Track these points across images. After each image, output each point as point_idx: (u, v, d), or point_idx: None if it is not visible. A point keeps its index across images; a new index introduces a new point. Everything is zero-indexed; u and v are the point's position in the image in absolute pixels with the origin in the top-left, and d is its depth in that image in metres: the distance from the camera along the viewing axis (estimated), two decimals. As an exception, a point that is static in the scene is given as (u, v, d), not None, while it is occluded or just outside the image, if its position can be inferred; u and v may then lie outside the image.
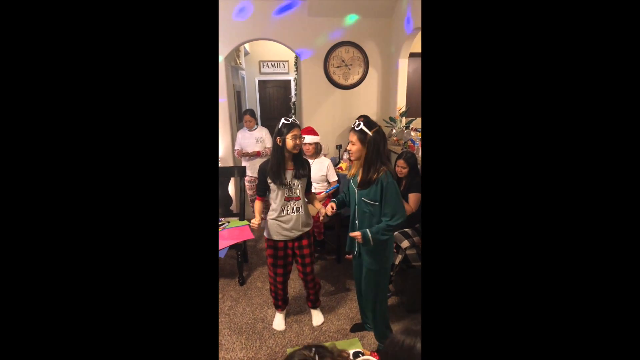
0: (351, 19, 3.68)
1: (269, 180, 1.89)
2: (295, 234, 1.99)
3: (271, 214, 1.97)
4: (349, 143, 1.76)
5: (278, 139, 1.82)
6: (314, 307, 2.25)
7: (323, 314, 2.28)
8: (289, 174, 1.89)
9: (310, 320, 2.23)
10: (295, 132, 1.82)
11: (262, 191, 1.97)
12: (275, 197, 1.93)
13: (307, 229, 2.03)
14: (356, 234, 1.71)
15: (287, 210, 1.94)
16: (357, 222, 1.79)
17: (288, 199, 1.93)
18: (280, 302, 2.18)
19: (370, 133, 1.64)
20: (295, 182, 1.92)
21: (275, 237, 1.98)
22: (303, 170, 1.92)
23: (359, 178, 1.73)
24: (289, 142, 1.82)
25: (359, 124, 1.67)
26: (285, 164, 1.88)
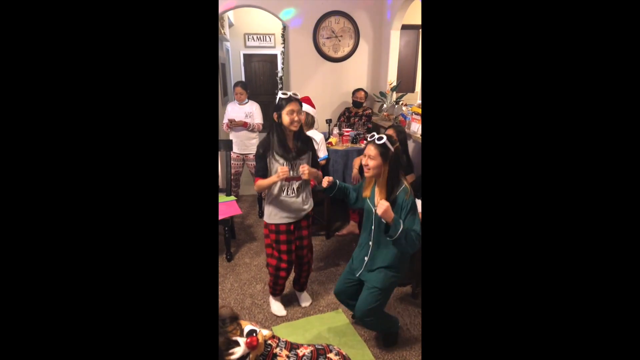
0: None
1: (273, 159, 1.73)
2: (298, 215, 1.87)
3: (271, 196, 1.83)
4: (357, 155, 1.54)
5: (275, 115, 1.67)
6: (302, 290, 2.16)
7: (312, 288, 2.26)
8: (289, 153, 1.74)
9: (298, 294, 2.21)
10: (292, 106, 1.66)
11: (263, 172, 1.77)
12: None
13: (308, 210, 1.91)
14: (384, 205, 1.39)
15: (289, 191, 1.81)
16: (371, 242, 1.63)
17: (289, 179, 1.78)
18: (279, 290, 2.05)
19: (392, 149, 1.49)
20: (297, 162, 1.76)
21: (277, 221, 1.84)
22: (305, 148, 1.78)
23: (377, 198, 1.56)
24: (285, 119, 1.66)
25: (381, 138, 1.49)
26: (287, 141, 1.73)
